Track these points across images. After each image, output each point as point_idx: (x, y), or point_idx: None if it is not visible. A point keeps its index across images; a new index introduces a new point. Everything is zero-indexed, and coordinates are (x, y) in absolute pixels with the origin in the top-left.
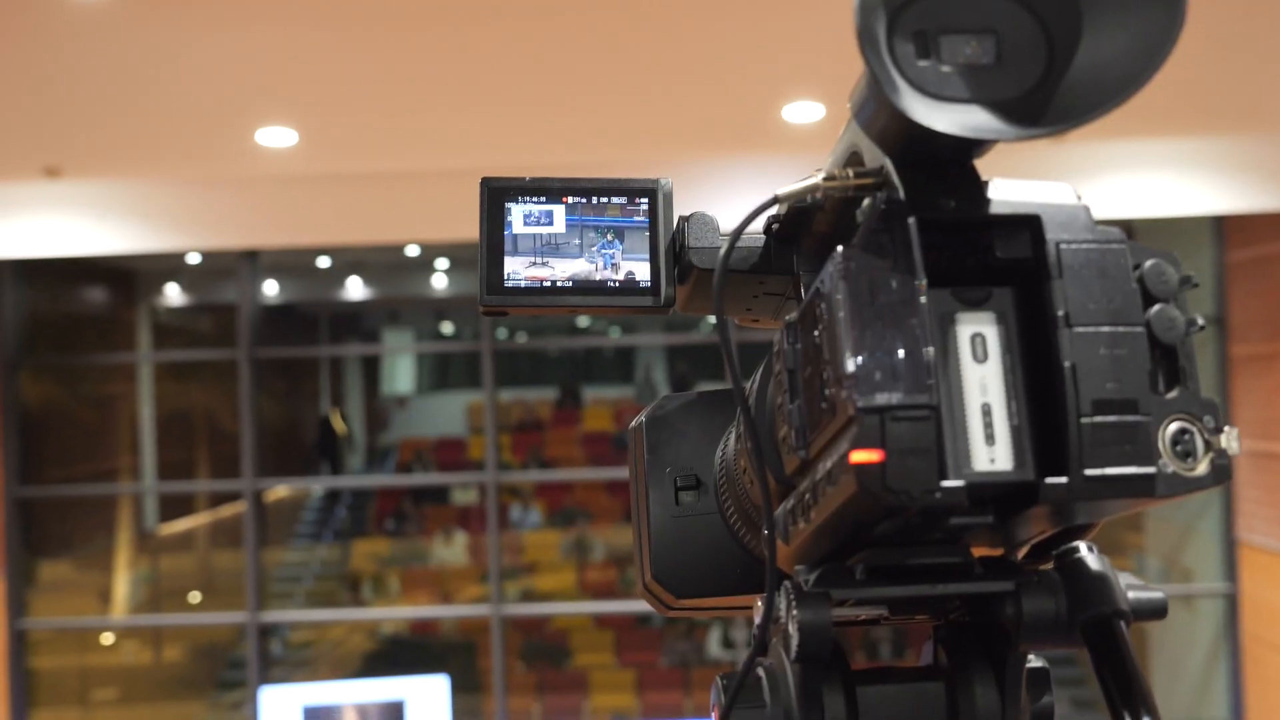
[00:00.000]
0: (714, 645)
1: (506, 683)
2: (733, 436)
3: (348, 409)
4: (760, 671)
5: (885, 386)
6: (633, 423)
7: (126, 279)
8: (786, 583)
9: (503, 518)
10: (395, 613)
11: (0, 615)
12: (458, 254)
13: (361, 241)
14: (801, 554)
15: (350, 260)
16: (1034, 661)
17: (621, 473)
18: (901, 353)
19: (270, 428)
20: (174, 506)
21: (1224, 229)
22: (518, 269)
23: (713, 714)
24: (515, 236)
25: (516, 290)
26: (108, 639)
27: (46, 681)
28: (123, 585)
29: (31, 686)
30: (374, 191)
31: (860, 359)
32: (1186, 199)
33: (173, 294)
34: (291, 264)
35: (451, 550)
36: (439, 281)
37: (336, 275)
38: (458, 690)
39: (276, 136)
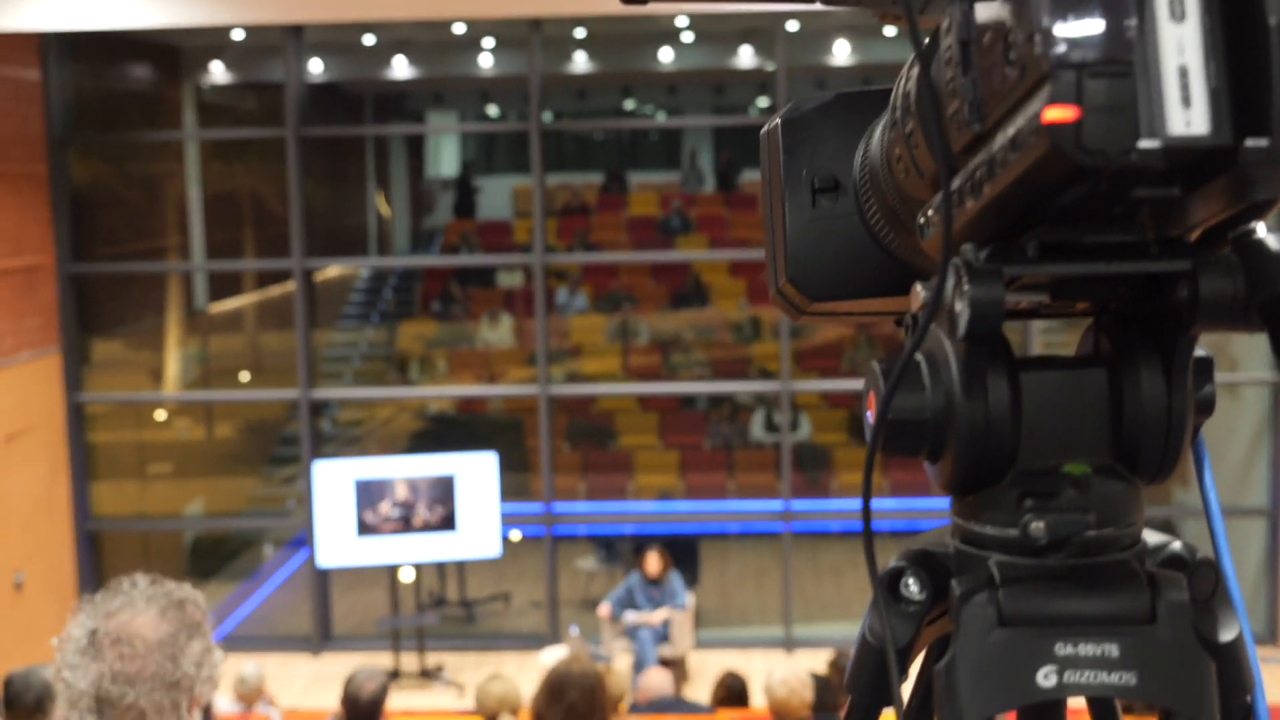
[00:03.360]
0: (757, 428)
1: (553, 462)
2: (878, 130)
3: (392, 192)
4: (919, 357)
5: (1082, 43)
6: (766, 126)
7: (170, 56)
8: (955, 260)
9: (549, 301)
10: (445, 391)
11: (59, 390)
12: (504, 32)
13: (407, 16)
14: (966, 235)
15: (395, 38)
16: (1198, 351)
17: (667, 256)
18: (1099, 9)
19: (315, 211)
20: (222, 287)
21: None
22: None
23: (866, 400)
24: None
25: None
26: (161, 415)
27: (105, 455)
28: (174, 363)
29: (91, 459)
30: None
31: (1056, 14)
32: None
33: (217, 72)
34: (336, 42)
35: (497, 333)
36: (485, 61)
37: (381, 54)
38: (504, 469)
39: None
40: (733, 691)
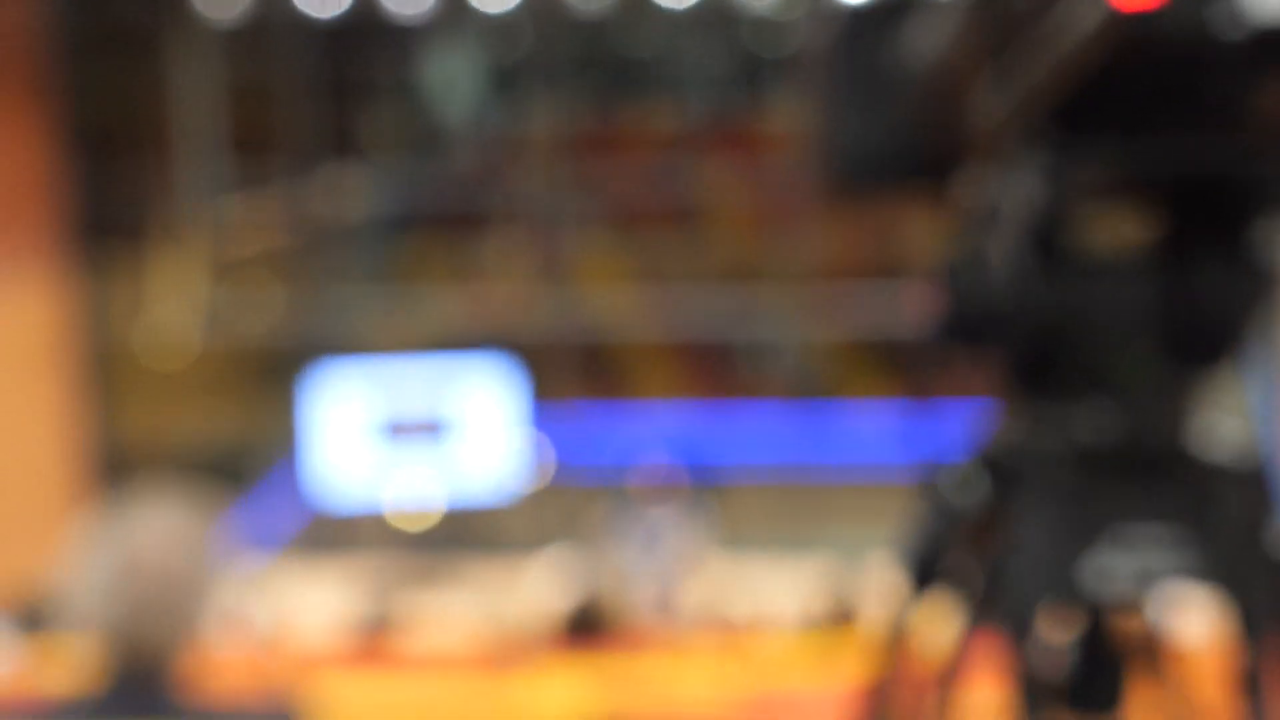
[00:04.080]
0: (768, 356)
1: (557, 388)
2: (927, 19)
3: (395, 119)
4: (977, 251)
5: None
6: (810, 22)
7: None
8: (1014, 149)
9: (556, 229)
10: (448, 313)
11: (67, 309)
12: None
13: None
14: (1025, 124)
15: None
16: (1260, 246)
17: (673, 185)
18: None
19: (319, 137)
20: (230, 206)
21: None
22: None
23: (926, 296)
24: None
25: None
26: (169, 332)
27: (113, 373)
28: (181, 281)
29: (99, 377)
30: None
31: None
32: None
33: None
34: None
35: (503, 260)
36: None
37: None
38: (509, 394)
39: None
40: (732, 624)
